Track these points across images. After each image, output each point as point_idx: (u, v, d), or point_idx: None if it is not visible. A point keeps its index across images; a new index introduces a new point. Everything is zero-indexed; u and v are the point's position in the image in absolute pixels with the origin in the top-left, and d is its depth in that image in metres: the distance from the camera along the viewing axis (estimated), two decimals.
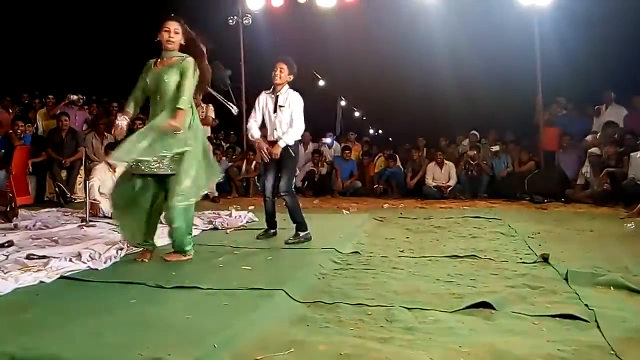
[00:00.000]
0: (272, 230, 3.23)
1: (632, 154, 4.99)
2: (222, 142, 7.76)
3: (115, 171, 4.47)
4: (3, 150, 5.39)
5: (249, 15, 6.55)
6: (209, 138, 5.73)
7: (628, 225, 3.63)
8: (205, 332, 1.55)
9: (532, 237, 3.25)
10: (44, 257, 2.55)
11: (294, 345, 1.48)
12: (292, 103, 3.08)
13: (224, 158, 7.08)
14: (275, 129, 3.08)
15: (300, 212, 3.10)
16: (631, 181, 4.85)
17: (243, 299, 1.94)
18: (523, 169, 6.23)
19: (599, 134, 5.77)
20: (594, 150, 5.50)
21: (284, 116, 3.07)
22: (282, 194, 3.03)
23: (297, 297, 1.95)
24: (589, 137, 5.91)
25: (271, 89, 3.14)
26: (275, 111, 3.07)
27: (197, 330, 1.58)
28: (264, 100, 3.15)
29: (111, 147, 4.65)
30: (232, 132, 8.00)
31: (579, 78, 6.60)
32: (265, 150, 3.04)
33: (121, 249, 2.75)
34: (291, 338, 1.54)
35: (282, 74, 3.06)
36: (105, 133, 6.21)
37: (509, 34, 6.41)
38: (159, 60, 2.53)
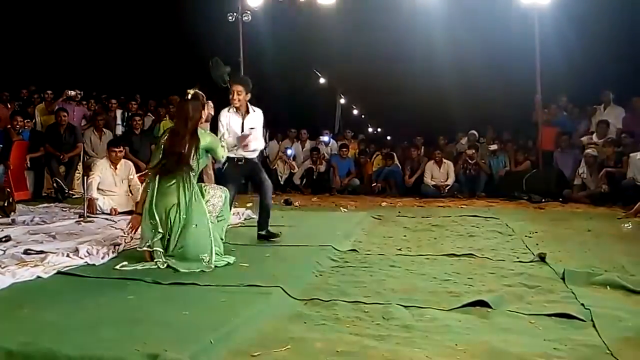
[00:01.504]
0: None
1: (632, 154, 5.01)
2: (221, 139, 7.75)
3: (116, 168, 4.45)
4: (1, 145, 5.38)
5: (248, 12, 6.52)
6: None
7: (625, 225, 3.65)
8: (202, 329, 1.55)
9: (530, 237, 3.26)
10: (41, 252, 2.55)
11: (291, 342, 1.48)
12: (258, 123, 3.14)
13: None
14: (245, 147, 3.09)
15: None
16: (630, 181, 4.87)
17: (240, 296, 1.94)
18: (519, 168, 6.25)
19: (594, 134, 5.81)
20: (590, 151, 5.52)
21: (255, 135, 3.09)
22: (268, 199, 3.08)
23: (295, 294, 1.96)
24: (584, 138, 5.94)
25: (234, 109, 3.11)
26: (242, 131, 3.08)
27: (194, 327, 1.58)
28: (227, 119, 3.11)
29: (112, 143, 4.63)
30: None
31: (579, 78, 6.60)
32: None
33: (118, 245, 2.74)
34: (288, 335, 1.54)
35: (240, 96, 3.06)
36: (104, 129, 6.19)
37: (509, 33, 6.40)
38: None
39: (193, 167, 2.49)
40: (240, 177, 3.21)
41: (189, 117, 2.53)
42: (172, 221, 2.40)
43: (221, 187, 2.75)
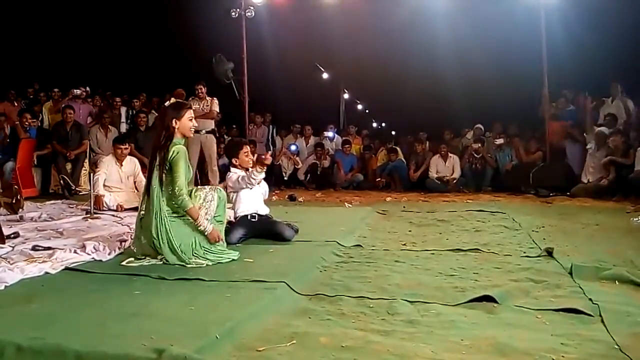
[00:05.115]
0: None
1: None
2: (225, 136, 7.79)
3: (122, 164, 4.49)
4: (8, 141, 5.44)
5: (251, 8, 6.49)
6: (213, 131, 5.74)
7: (634, 219, 3.59)
8: (208, 324, 1.55)
9: (537, 231, 3.23)
10: (49, 248, 2.58)
11: (296, 337, 1.48)
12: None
13: None
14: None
15: None
16: (639, 175, 4.80)
17: (245, 291, 1.94)
18: (530, 159, 6.16)
19: (602, 127, 5.74)
20: (602, 129, 5.42)
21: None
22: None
23: (299, 289, 1.96)
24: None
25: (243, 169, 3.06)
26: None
27: (199, 322, 1.59)
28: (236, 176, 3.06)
29: (118, 140, 4.67)
30: (234, 126, 8.02)
31: (586, 71, 6.50)
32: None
33: (125, 241, 2.77)
34: (293, 330, 1.54)
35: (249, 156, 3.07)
36: (109, 126, 6.23)
37: (515, 25, 6.31)
38: None
39: (162, 180, 2.36)
40: (252, 233, 2.95)
41: (163, 124, 2.45)
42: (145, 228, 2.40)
43: (214, 187, 2.67)
